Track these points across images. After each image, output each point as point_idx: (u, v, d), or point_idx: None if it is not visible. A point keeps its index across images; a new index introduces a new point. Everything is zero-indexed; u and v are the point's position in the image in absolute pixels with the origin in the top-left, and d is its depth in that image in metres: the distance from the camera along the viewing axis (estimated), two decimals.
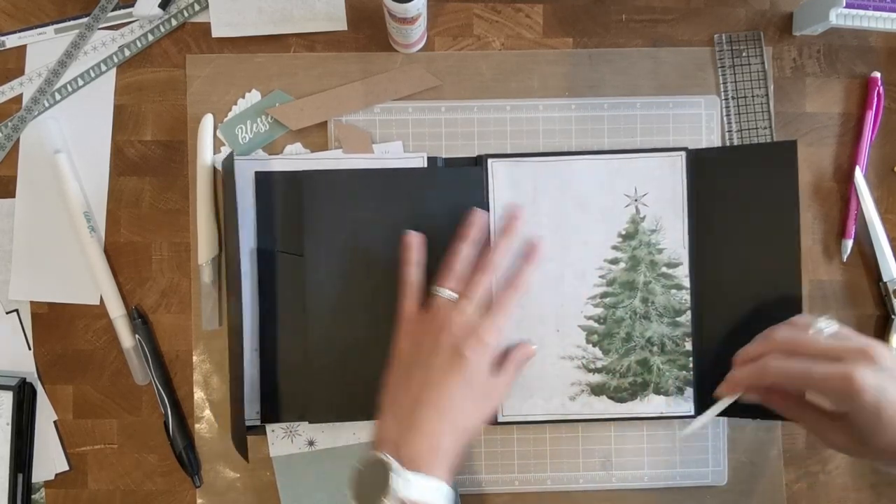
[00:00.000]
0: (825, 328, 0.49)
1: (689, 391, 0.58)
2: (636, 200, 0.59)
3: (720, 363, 0.57)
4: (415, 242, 0.55)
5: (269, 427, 0.58)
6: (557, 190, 0.58)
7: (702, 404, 0.57)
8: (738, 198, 0.57)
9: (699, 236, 0.58)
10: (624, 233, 0.58)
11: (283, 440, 0.58)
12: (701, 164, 0.58)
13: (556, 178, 0.58)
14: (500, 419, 0.58)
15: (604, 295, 0.58)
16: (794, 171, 0.54)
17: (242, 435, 0.55)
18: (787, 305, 0.54)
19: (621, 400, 0.58)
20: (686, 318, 0.58)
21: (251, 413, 0.57)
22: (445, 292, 0.53)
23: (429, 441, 0.48)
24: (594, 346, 0.58)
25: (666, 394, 0.58)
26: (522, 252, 0.57)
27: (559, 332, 0.58)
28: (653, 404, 0.58)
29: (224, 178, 0.57)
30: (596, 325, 0.58)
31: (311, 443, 0.58)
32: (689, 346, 0.58)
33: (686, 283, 0.58)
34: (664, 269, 0.58)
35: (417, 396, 0.49)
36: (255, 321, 0.58)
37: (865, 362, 0.45)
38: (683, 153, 0.58)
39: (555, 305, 0.58)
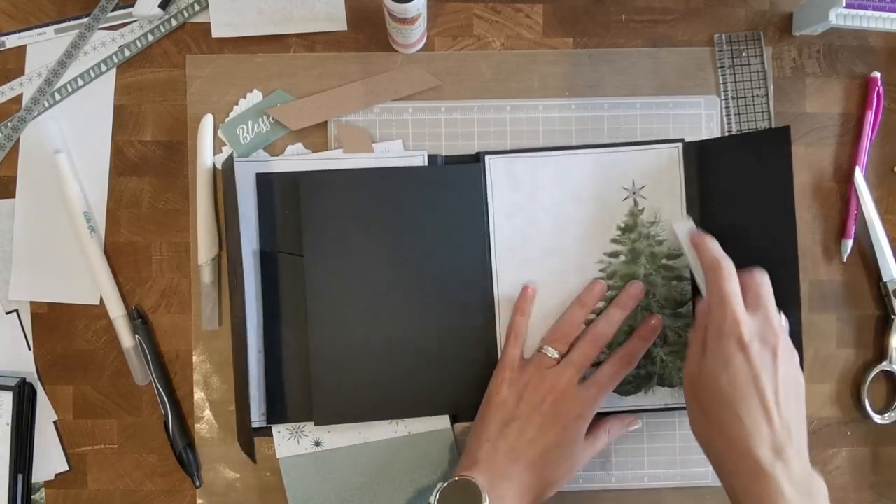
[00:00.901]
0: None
1: None
2: (634, 193, 0.59)
3: None
4: (529, 294, 0.57)
5: (274, 428, 0.58)
6: (555, 184, 0.58)
7: None
8: (735, 185, 0.57)
9: (698, 226, 0.58)
10: (623, 226, 0.59)
11: (289, 441, 0.58)
12: (699, 154, 0.58)
13: (554, 173, 0.58)
14: None
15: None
16: (787, 157, 0.53)
17: (249, 436, 0.55)
18: (787, 295, 0.54)
19: (626, 393, 0.58)
20: (688, 308, 0.58)
21: (257, 414, 0.57)
22: (555, 353, 0.55)
23: (515, 492, 0.50)
24: None
25: (671, 385, 0.58)
26: (639, 329, 0.57)
27: None
28: (658, 396, 0.58)
29: (224, 180, 0.57)
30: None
31: (317, 443, 0.58)
32: None
33: (687, 273, 0.58)
34: (665, 261, 0.58)
35: (514, 447, 0.52)
36: (259, 322, 0.58)
37: (770, 349, 0.47)
38: (680, 144, 0.58)
39: (556, 300, 0.58)
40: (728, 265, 0.50)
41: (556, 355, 0.55)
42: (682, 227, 0.56)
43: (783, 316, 0.52)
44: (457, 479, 0.49)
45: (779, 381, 0.47)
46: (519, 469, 0.51)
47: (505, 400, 0.54)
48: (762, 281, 0.51)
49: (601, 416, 0.57)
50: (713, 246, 0.52)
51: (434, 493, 0.49)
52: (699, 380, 0.49)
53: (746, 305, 0.49)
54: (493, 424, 0.53)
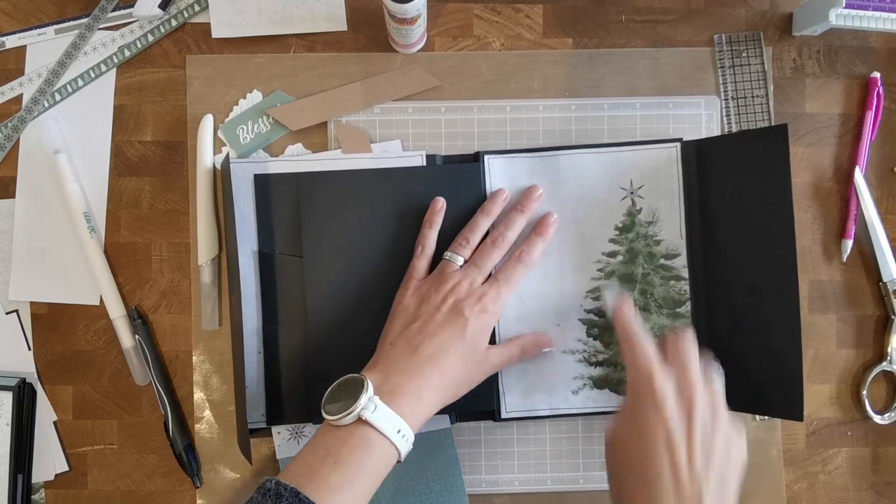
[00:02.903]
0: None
1: None
2: (632, 193, 0.59)
3: (721, 354, 0.57)
4: (438, 208, 0.57)
5: (274, 429, 0.58)
6: (554, 184, 0.59)
7: None
8: (733, 184, 0.56)
9: (697, 226, 0.58)
10: (621, 225, 0.59)
11: (289, 442, 0.58)
12: (696, 154, 0.58)
13: (553, 173, 0.59)
14: (504, 415, 0.58)
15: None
16: (785, 155, 0.53)
17: (245, 438, 0.55)
18: (784, 292, 0.54)
19: (624, 392, 0.58)
20: (686, 308, 0.58)
21: (257, 415, 0.57)
22: (458, 259, 0.55)
23: (413, 384, 0.49)
24: (595, 339, 0.58)
25: None
26: (535, 226, 0.57)
27: (560, 327, 0.58)
28: None
29: (222, 180, 0.57)
30: (596, 318, 0.58)
31: None
32: None
33: (685, 273, 0.58)
34: (662, 261, 0.58)
35: (415, 344, 0.51)
36: (259, 323, 0.58)
37: (686, 404, 0.45)
38: (678, 144, 0.58)
39: (554, 300, 0.58)
40: (639, 331, 0.49)
41: (460, 260, 0.55)
42: (609, 293, 0.57)
43: (717, 373, 0.49)
44: (345, 377, 0.49)
45: (695, 439, 0.44)
46: (417, 363, 0.49)
47: (407, 306, 0.54)
48: (684, 339, 0.49)
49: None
50: (627, 315, 0.51)
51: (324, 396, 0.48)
52: (612, 443, 0.48)
53: (667, 362, 0.48)
54: (395, 329, 0.53)
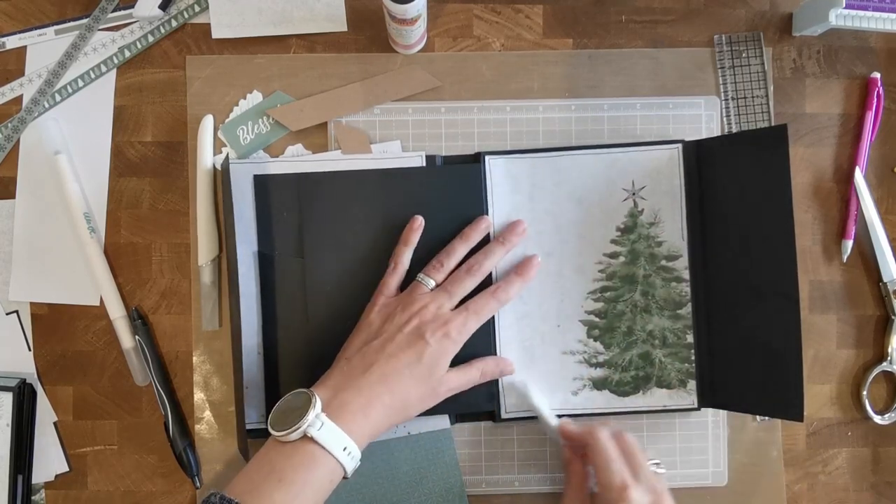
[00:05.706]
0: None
1: (692, 383, 0.58)
2: (634, 194, 0.59)
3: (722, 354, 0.57)
4: (416, 226, 0.56)
5: None
6: (555, 185, 0.59)
7: (704, 396, 0.58)
8: (734, 185, 0.56)
9: (698, 227, 0.58)
10: (622, 227, 0.59)
11: None
12: (698, 154, 0.58)
13: (554, 174, 0.59)
14: (504, 416, 0.58)
15: (604, 289, 0.58)
16: (785, 155, 0.53)
17: (244, 439, 0.55)
18: (784, 292, 0.54)
19: (624, 394, 0.58)
20: (687, 310, 0.58)
21: (257, 416, 0.57)
22: (430, 282, 0.55)
23: (362, 401, 0.49)
24: (595, 340, 0.58)
25: (668, 387, 0.58)
26: (517, 266, 0.57)
27: (560, 328, 0.58)
28: (655, 397, 0.58)
29: (222, 182, 0.57)
30: (597, 319, 0.58)
31: None
32: (690, 338, 0.58)
33: (686, 275, 0.58)
34: (664, 262, 0.58)
35: (370, 361, 0.51)
36: (259, 324, 0.58)
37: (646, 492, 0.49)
38: (680, 146, 0.58)
39: (555, 301, 0.58)
40: (605, 441, 0.52)
41: (432, 284, 0.55)
42: (551, 427, 0.57)
43: (660, 468, 0.55)
44: (294, 391, 0.49)
45: None
46: (370, 381, 0.49)
47: (371, 322, 0.54)
48: (633, 444, 0.52)
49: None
50: (577, 432, 0.54)
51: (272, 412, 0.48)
52: None
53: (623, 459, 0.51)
54: (354, 345, 0.53)
